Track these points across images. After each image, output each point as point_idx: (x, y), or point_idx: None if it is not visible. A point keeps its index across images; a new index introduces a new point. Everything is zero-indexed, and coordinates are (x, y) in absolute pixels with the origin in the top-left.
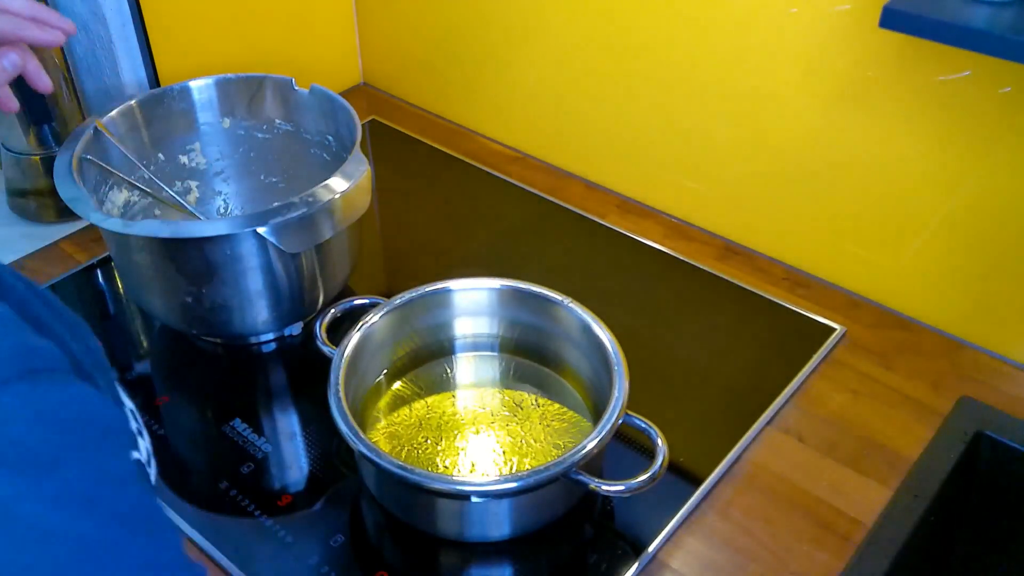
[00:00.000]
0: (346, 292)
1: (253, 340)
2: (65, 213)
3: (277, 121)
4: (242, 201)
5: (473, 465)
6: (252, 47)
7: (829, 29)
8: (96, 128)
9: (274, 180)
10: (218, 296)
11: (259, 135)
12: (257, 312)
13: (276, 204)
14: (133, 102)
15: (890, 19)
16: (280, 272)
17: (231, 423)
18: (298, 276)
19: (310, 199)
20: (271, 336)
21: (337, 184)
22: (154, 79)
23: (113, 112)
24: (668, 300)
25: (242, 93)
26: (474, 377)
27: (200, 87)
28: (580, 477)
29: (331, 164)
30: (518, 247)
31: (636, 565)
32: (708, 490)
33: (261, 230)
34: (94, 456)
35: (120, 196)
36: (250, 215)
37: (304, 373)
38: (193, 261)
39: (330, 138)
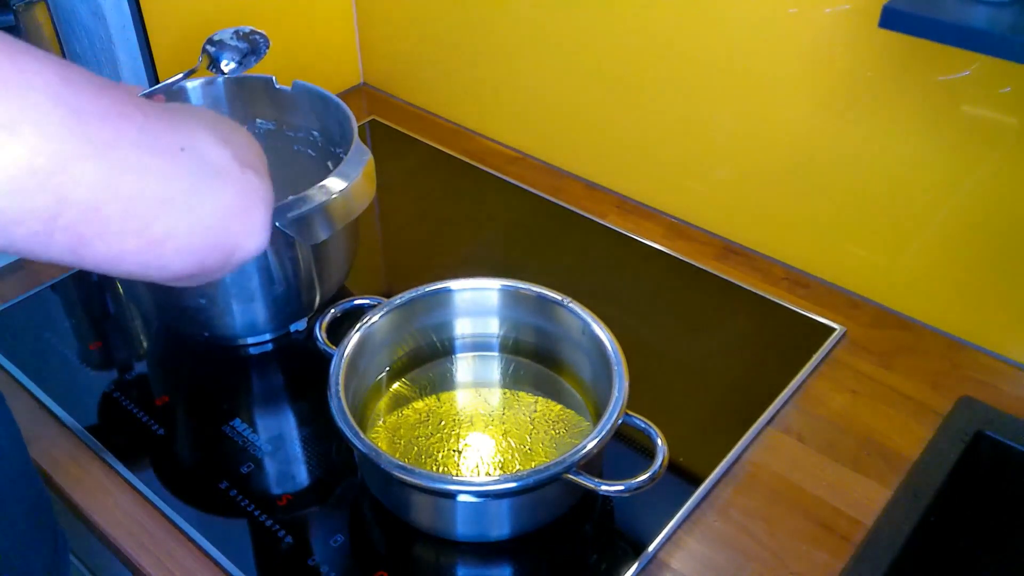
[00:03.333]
0: (345, 292)
1: (252, 340)
2: None
3: (259, 121)
4: None
5: (473, 465)
6: None
7: (829, 29)
8: None
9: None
10: (216, 296)
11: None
12: (255, 312)
13: (291, 198)
14: None
15: (890, 19)
16: (278, 272)
17: (231, 423)
18: (296, 275)
19: (314, 194)
20: (270, 336)
21: (337, 183)
22: (154, 79)
23: None
24: (668, 300)
25: (233, 93)
26: (474, 377)
27: (193, 88)
28: (580, 477)
29: (317, 160)
30: (518, 247)
31: (636, 565)
32: (708, 490)
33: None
34: None
35: None
36: None
37: (304, 373)
38: None
39: (315, 133)
